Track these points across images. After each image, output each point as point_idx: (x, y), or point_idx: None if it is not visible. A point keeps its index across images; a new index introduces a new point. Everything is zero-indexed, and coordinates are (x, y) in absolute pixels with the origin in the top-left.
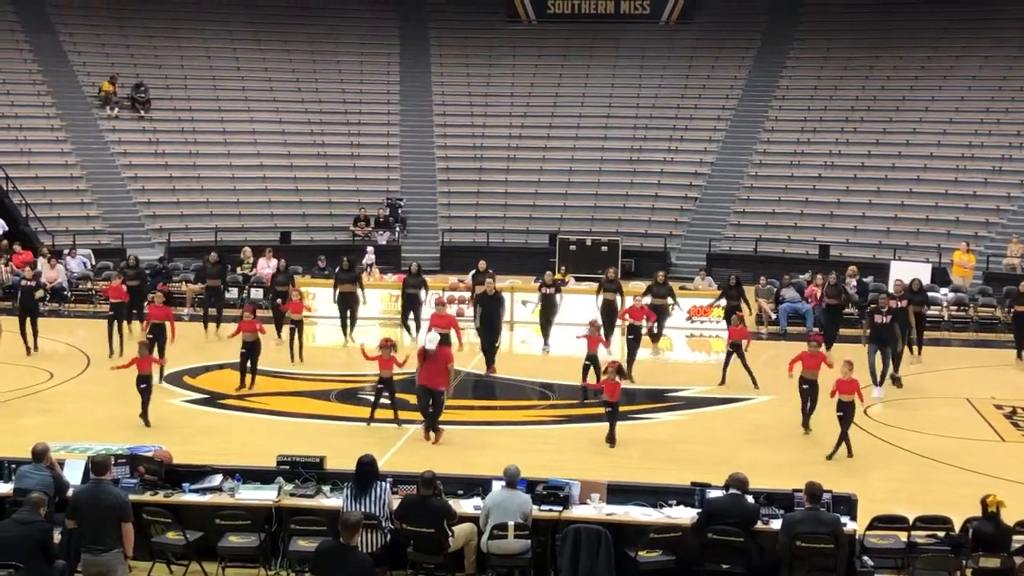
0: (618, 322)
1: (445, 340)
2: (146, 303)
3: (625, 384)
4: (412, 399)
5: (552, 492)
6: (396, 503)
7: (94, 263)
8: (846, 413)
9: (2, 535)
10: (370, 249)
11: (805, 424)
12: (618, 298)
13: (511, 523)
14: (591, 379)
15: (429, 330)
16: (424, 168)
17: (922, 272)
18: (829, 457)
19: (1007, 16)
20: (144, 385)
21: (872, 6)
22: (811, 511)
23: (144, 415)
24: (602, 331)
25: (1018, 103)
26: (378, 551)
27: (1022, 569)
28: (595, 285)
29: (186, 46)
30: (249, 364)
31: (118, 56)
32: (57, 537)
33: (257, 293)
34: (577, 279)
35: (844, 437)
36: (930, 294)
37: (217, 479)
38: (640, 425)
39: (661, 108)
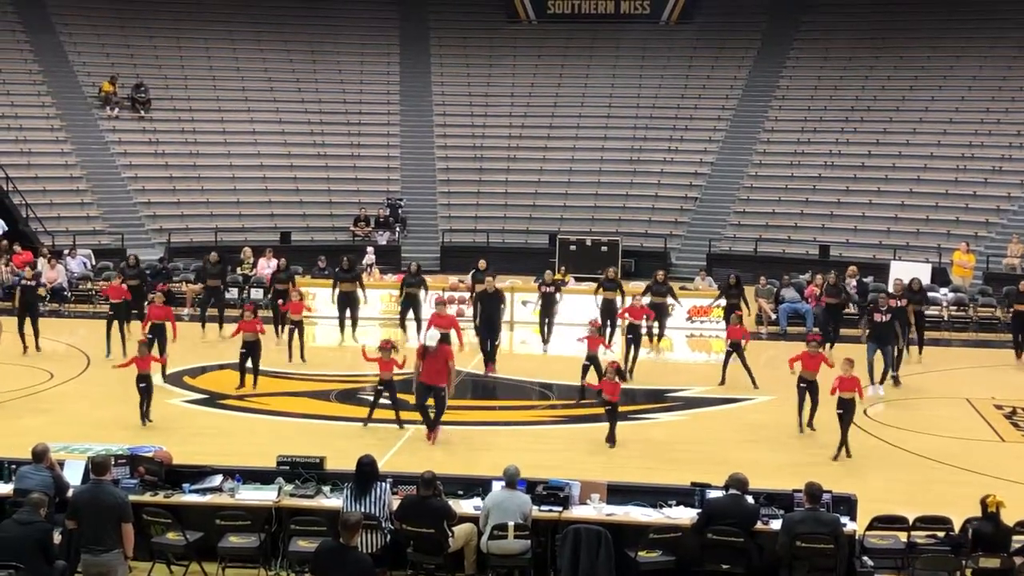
0: (618, 321)
1: (445, 340)
2: (146, 303)
3: (625, 384)
4: (413, 399)
5: (552, 492)
6: (396, 503)
7: (94, 263)
8: (846, 411)
9: (2, 535)
10: (370, 249)
11: (800, 424)
12: (618, 297)
13: (511, 523)
14: (592, 379)
15: (428, 328)
16: (424, 168)
17: (922, 272)
18: (835, 458)
19: (1007, 16)
20: (143, 384)
21: (872, 6)
22: (811, 511)
23: (142, 414)
24: (603, 331)
25: (1018, 103)
26: (378, 551)
27: (1022, 569)
28: (595, 285)
29: (186, 46)
30: (251, 364)
31: (118, 56)
32: (57, 538)
33: (257, 293)
34: (577, 279)
35: (843, 436)
36: (930, 294)
37: (217, 479)
38: (640, 425)
39: (661, 108)
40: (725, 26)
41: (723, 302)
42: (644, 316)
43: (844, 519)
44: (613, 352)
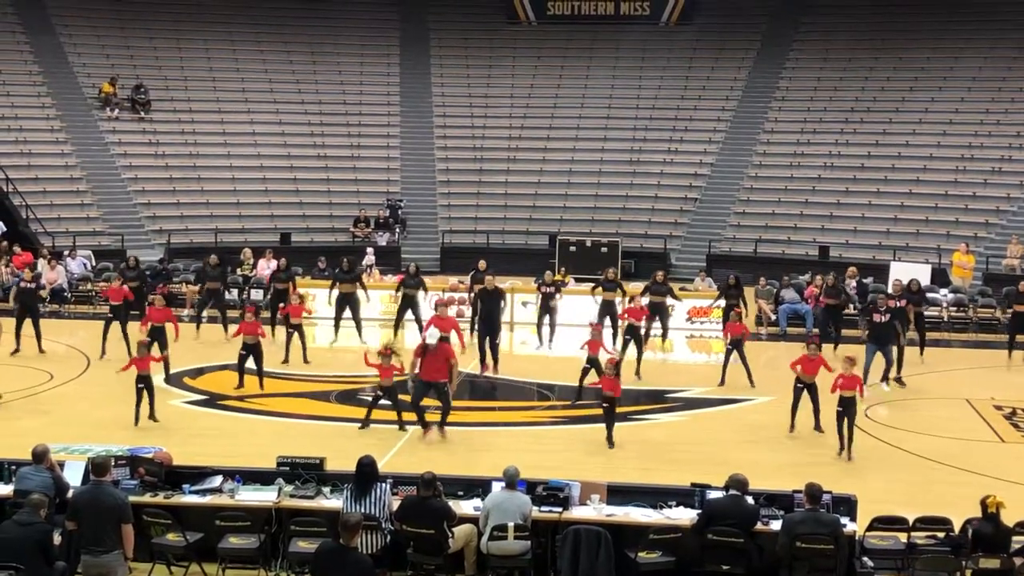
0: (619, 322)
1: (445, 341)
2: (146, 305)
3: (628, 384)
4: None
5: (552, 493)
6: (396, 504)
7: (94, 264)
8: (846, 409)
9: (2, 536)
10: (370, 250)
11: (793, 424)
12: (618, 298)
13: (511, 524)
14: (593, 380)
15: (428, 327)
16: (424, 169)
17: (922, 273)
18: (842, 452)
19: (1007, 17)
20: (142, 385)
21: (872, 7)
22: (811, 512)
23: (137, 415)
24: (603, 333)
25: (1018, 104)
26: (378, 552)
27: (1022, 570)
28: (592, 285)
29: (186, 47)
30: (254, 366)
31: (118, 57)
32: (57, 538)
33: (257, 294)
34: (577, 280)
35: (850, 434)
36: (930, 295)
37: (217, 480)
38: (640, 426)
39: (661, 109)
40: (725, 27)
41: (722, 303)
42: (644, 317)
43: (844, 520)
44: (613, 353)
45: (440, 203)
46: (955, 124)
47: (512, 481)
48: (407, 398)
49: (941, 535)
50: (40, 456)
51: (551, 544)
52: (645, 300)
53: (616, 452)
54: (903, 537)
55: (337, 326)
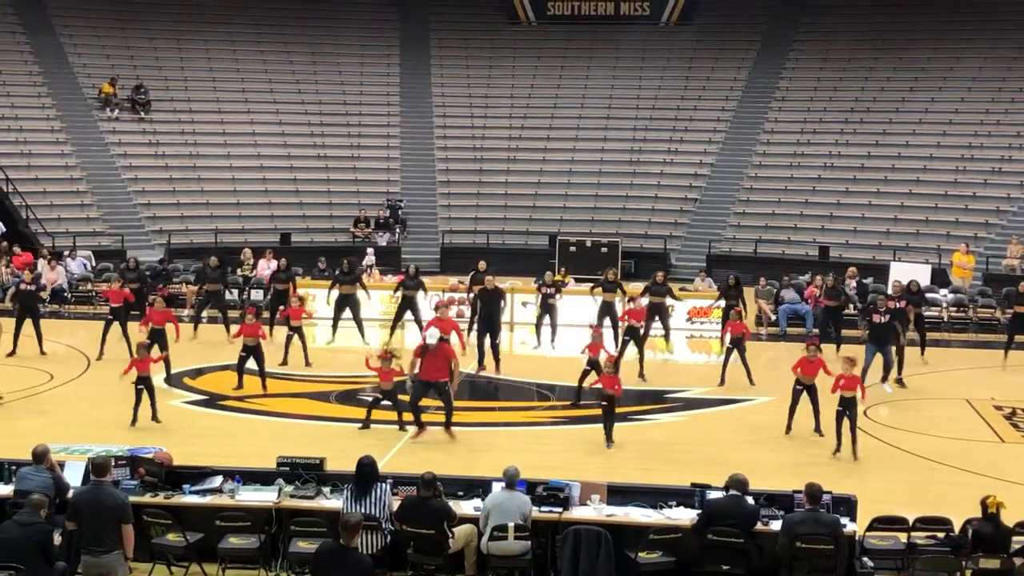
0: (619, 323)
1: (445, 342)
2: (147, 306)
3: (629, 385)
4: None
5: (552, 493)
6: (396, 504)
7: (94, 264)
8: (847, 408)
9: (3, 537)
10: (370, 250)
11: (789, 425)
12: (618, 299)
13: (511, 524)
14: (593, 381)
15: (428, 329)
16: (424, 169)
17: (922, 273)
18: (855, 457)
19: (1007, 17)
20: (142, 386)
21: (872, 7)
22: (811, 512)
23: (135, 416)
24: (603, 335)
25: (1018, 104)
26: (378, 552)
27: (1022, 570)
28: (591, 285)
29: (186, 47)
30: (256, 367)
31: (118, 58)
32: (57, 539)
33: (257, 294)
34: (577, 280)
35: (853, 435)
36: (930, 295)
37: (217, 480)
38: (640, 426)
39: (661, 109)
40: (725, 27)
41: (722, 303)
42: (644, 318)
43: (844, 520)
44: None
45: (440, 203)
46: (955, 124)
47: (512, 481)
48: (406, 398)
49: (941, 535)
50: (40, 456)
51: (551, 544)
52: (645, 300)
53: (616, 452)
54: (903, 537)
55: (335, 327)
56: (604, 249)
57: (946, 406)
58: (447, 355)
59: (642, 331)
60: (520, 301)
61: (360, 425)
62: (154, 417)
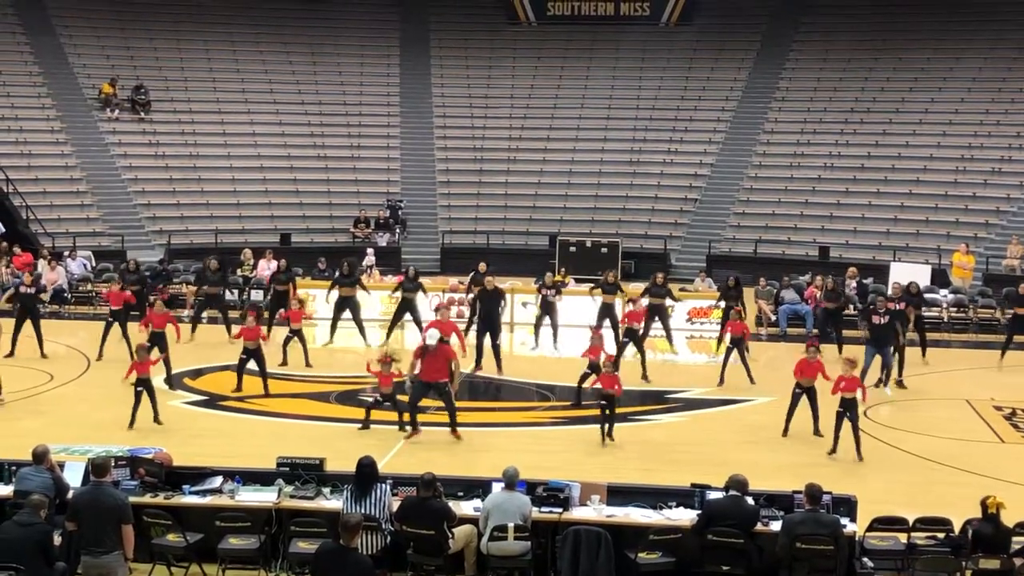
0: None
1: (445, 343)
2: (147, 306)
3: (630, 385)
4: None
5: (552, 494)
6: (396, 505)
7: (94, 265)
8: (847, 409)
9: (2, 537)
10: (370, 251)
11: (787, 427)
12: (618, 300)
13: (511, 525)
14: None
15: (427, 330)
16: (424, 169)
17: (922, 273)
18: (859, 458)
19: (1007, 17)
20: (141, 388)
21: (872, 7)
22: (811, 512)
23: (132, 417)
24: (604, 337)
25: (1018, 104)
26: (378, 553)
27: (1022, 570)
28: (590, 286)
29: (186, 48)
30: (258, 369)
31: (118, 58)
32: (57, 539)
33: (257, 295)
34: (577, 280)
35: (856, 436)
36: (930, 295)
37: (217, 481)
38: (640, 427)
39: (661, 109)
40: (725, 27)
41: (722, 304)
42: (644, 320)
43: (844, 520)
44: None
45: (440, 203)
46: (955, 124)
47: (512, 482)
48: (406, 398)
49: (941, 536)
50: (40, 457)
51: (551, 545)
52: (645, 302)
53: (616, 452)
54: (903, 538)
55: (334, 328)
56: (604, 249)
57: (946, 406)
58: (447, 356)
59: (641, 332)
60: (520, 301)
61: (360, 426)
62: (156, 419)
